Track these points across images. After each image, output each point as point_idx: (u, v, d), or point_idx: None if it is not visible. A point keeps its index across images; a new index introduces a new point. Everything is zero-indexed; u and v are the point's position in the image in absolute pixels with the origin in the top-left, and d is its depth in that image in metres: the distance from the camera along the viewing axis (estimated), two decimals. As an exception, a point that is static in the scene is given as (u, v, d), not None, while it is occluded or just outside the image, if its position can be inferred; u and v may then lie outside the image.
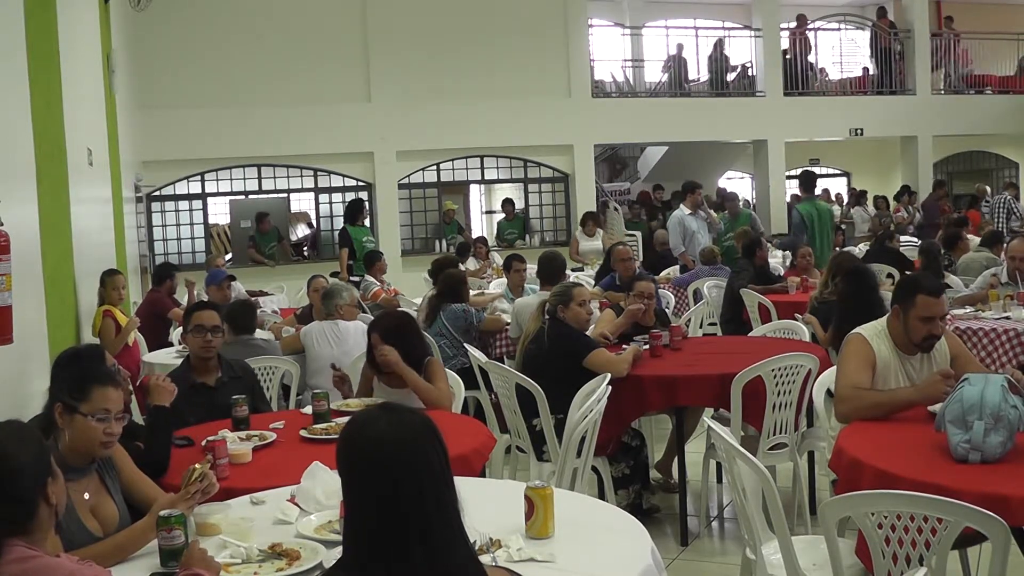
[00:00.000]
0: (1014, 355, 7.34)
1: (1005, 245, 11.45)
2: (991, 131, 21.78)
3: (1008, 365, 7.19)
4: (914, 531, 3.25)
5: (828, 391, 5.04)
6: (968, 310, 8.12)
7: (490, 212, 20.67)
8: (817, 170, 23.20)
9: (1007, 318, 7.70)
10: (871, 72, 21.03)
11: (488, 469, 5.78)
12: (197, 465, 3.52)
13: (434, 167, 17.54)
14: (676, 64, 19.51)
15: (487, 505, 3.42)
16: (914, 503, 3.24)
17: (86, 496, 3.49)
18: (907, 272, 9.13)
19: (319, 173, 16.91)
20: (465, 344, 7.48)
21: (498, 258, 14.08)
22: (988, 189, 20.02)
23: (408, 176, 17.25)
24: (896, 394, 4.51)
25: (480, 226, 20.44)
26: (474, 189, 20.35)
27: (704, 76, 20.12)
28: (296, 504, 3.59)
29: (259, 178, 16.76)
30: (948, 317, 7.52)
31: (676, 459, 6.22)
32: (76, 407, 3.46)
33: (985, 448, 3.71)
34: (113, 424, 3.50)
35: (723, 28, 20.98)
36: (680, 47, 19.70)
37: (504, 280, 10.91)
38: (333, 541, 3.16)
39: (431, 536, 2.19)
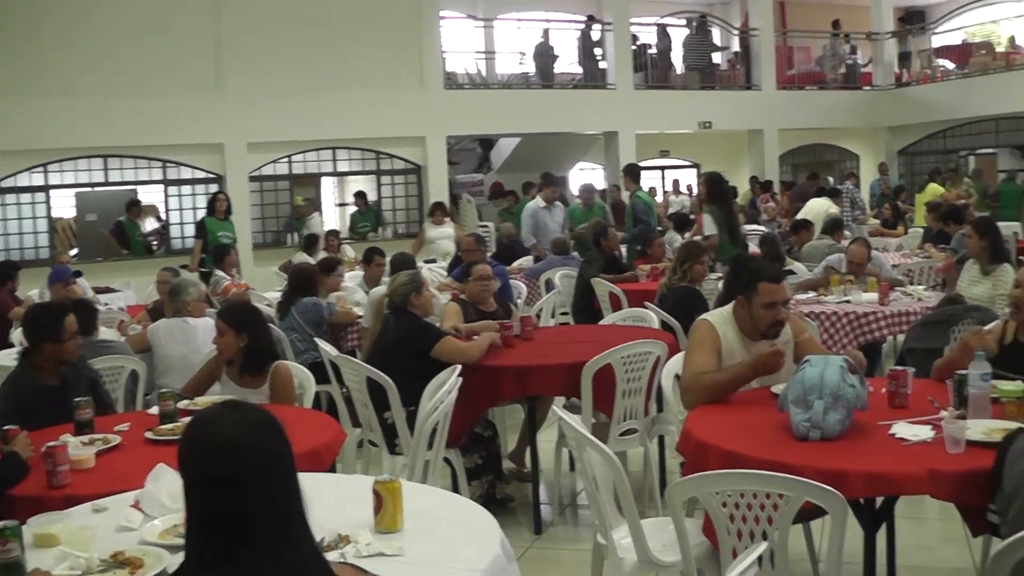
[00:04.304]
0: (854, 336, 7.61)
1: (847, 234, 11.90)
2: (833, 125, 22.61)
3: (849, 346, 7.44)
4: (757, 508, 3.35)
5: (676, 376, 5.11)
6: (811, 295, 8.39)
7: (343, 204, 20.45)
8: (667, 161, 23.83)
9: (847, 302, 7.99)
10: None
11: (340, 464, 5.72)
12: None
13: (286, 159, 17.26)
14: (543, 61, 19.62)
15: (337, 500, 3.40)
16: (756, 481, 3.34)
17: None
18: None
19: (168, 165, 16.40)
20: (316, 338, 7.38)
21: (350, 251, 13.96)
22: (831, 179, 20.68)
23: (259, 168, 16.93)
24: (733, 371, 4.61)
25: (333, 219, 20.21)
26: (326, 181, 20.09)
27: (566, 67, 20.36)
28: (140, 509, 3.46)
29: (106, 169, 16.12)
30: (793, 301, 7.78)
31: (528, 448, 6.24)
32: None
33: (825, 426, 3.83)
34: None
35: (575, 21, 21.15)
36: (546, 33, 19.82)
37: (357, 273, 10.83)
38: (178, 546, 3.04)
39: (276, 535, 2.13)
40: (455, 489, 5.69)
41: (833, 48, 22.88)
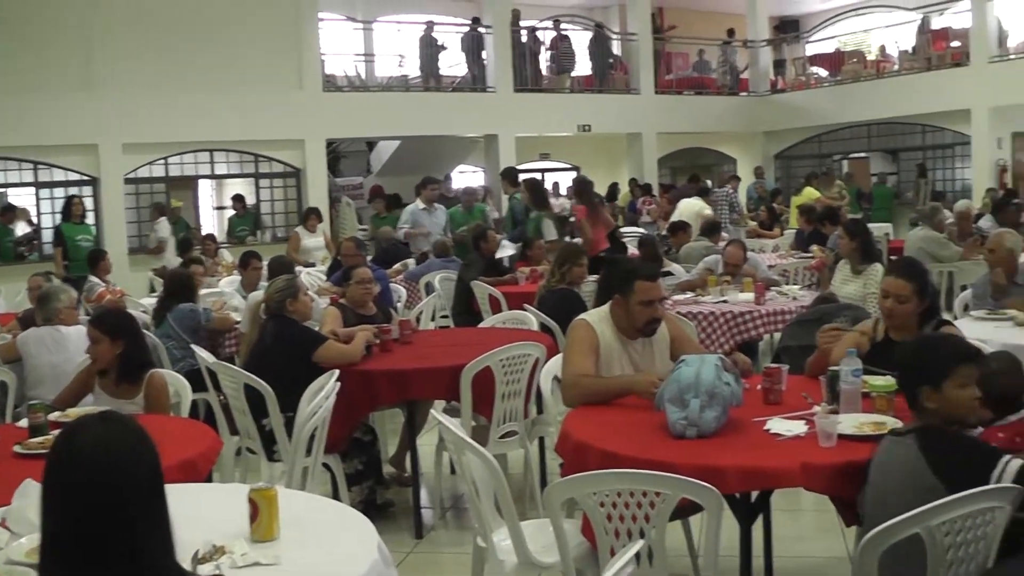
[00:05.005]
0: (731, 336, 7.74)
1: (725, 236, 12.15)
2: (710, 129, 23.04)
3: (726, 345, 7.58)
4: (634, 506, 3.38)
5: (555, 378, 5.13)
6: (689, 295, 8.51)
7: (221, 208, 20.14)
8: (547, 164, 24.00)
9: (724, 301, 8.13)
10: (589, 72, 21.90)
11: (218, 473, 5.62)
12: None
13: (162, 161, 16.88)
14: (427, 52, 19.61)
15: (213, 511, 3.32)
16: (633, 480, 3.37)
17: None
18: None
19: (39, 166, 15.91)
20: (192, 345, 7.23)
21: (228, 255, 13.74)
22: (709, 183, 21.04)
23: (135, 170, 16.50)
24: (614, 382, 4.67)
25: (211, 222, 19.89)
26: (204, 184, 19.77)
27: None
28: (6, 527, 3.33)
29: (-27, 172, 15.70)
30: (670, 302, 7.91)
31: (409, 452, 6.21)
32: None
33: (701, 423, 3.89)
34: None
35: (455, 24, 21.14)
36: (430, 24, 19.78)
37: (235, 278, 10.67)
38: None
39: (139, 550, 2.09)
40: (335, 495, 5.62)
41: (725, 55, 23.39)
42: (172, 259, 14.05)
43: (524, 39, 20.52)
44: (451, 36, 20.24)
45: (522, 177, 13.42)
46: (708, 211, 14.68)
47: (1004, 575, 3.06)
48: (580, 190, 12.84)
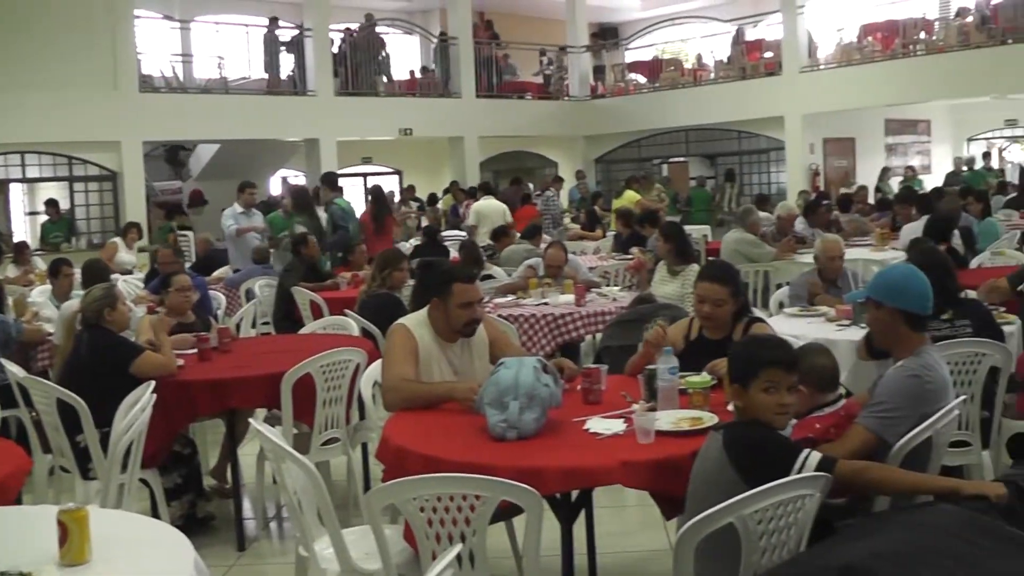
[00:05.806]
0: (552, 337, 7.84)
1: (546, 238, 12.33)
2: (531, 133, 23.35)
3: (547, 347, 7.67)
4: (455, 510, 3.38)
5: (376, 383, 5.12)
6: (510, 298, 8.58)
7: (33, 213, 19.40)
8: (370, 168, 23.93)
9: (545, 304, 8.22)
10: (419, 76, 21.93)
11: (30, 495, 5.43)
12: None
13: (-31, 165, 16.19)
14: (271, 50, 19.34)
15: (21, 535, 3.21)
16: (452, 484, 3.38)
17: None
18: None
19: None
20: (1, 359, 6.92)
21: (41, 263, 13.25)
22: (532, 185, 21.29)
23: (-59, 174, 15.80)
24: (435, 388, 4.69)
25: (23, 229, 19.15)
26: (15, 188, 19.01)
27: (256, 74, 20.09)
28: None
29: None
30: (492, 304, 7.97)
31: (230, 463, 6.10)
32: None
33: (521, 425, 3.93)
34: None
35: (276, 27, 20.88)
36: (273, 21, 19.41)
37: (48, 287, 10.29)
38: None
39: None
40: (154, 511, 5.49)
41: (559, 61, 23.71)
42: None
43: (340, 43, 20.40)
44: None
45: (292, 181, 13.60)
46: (510, 216, 14.87)
47: (813, 557, 3.18)
48: (372, 197, 13.57)
